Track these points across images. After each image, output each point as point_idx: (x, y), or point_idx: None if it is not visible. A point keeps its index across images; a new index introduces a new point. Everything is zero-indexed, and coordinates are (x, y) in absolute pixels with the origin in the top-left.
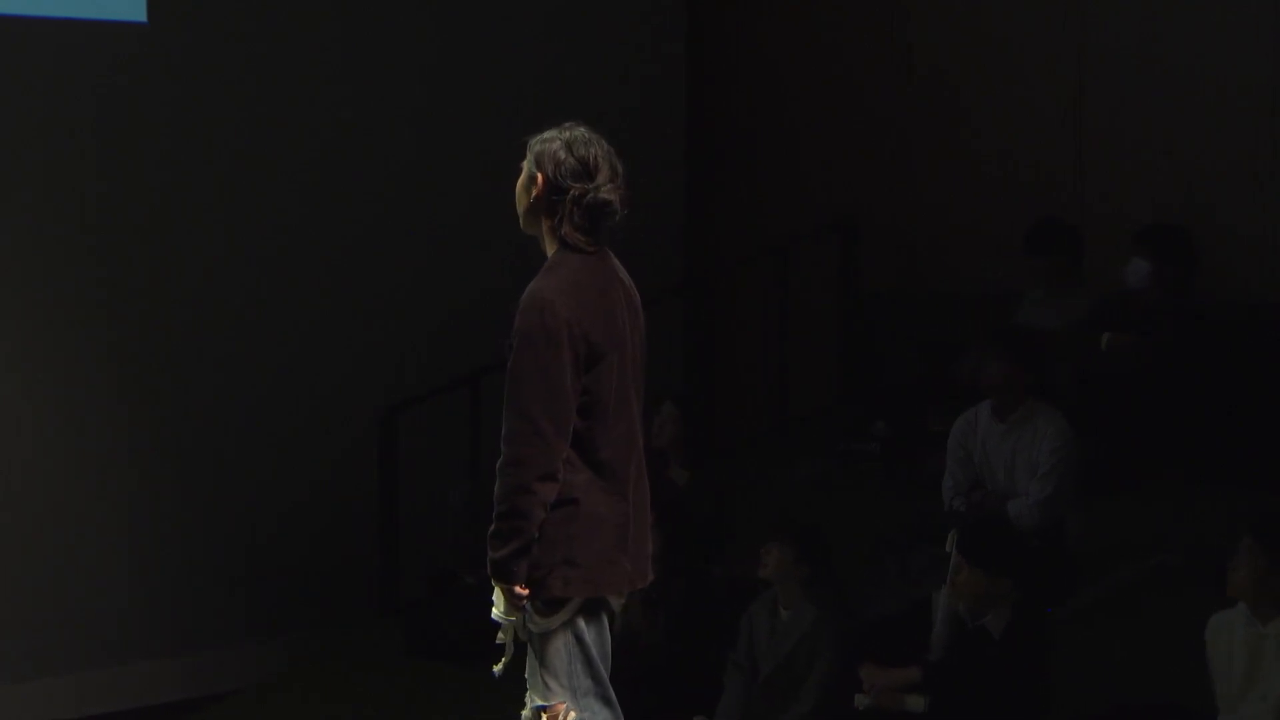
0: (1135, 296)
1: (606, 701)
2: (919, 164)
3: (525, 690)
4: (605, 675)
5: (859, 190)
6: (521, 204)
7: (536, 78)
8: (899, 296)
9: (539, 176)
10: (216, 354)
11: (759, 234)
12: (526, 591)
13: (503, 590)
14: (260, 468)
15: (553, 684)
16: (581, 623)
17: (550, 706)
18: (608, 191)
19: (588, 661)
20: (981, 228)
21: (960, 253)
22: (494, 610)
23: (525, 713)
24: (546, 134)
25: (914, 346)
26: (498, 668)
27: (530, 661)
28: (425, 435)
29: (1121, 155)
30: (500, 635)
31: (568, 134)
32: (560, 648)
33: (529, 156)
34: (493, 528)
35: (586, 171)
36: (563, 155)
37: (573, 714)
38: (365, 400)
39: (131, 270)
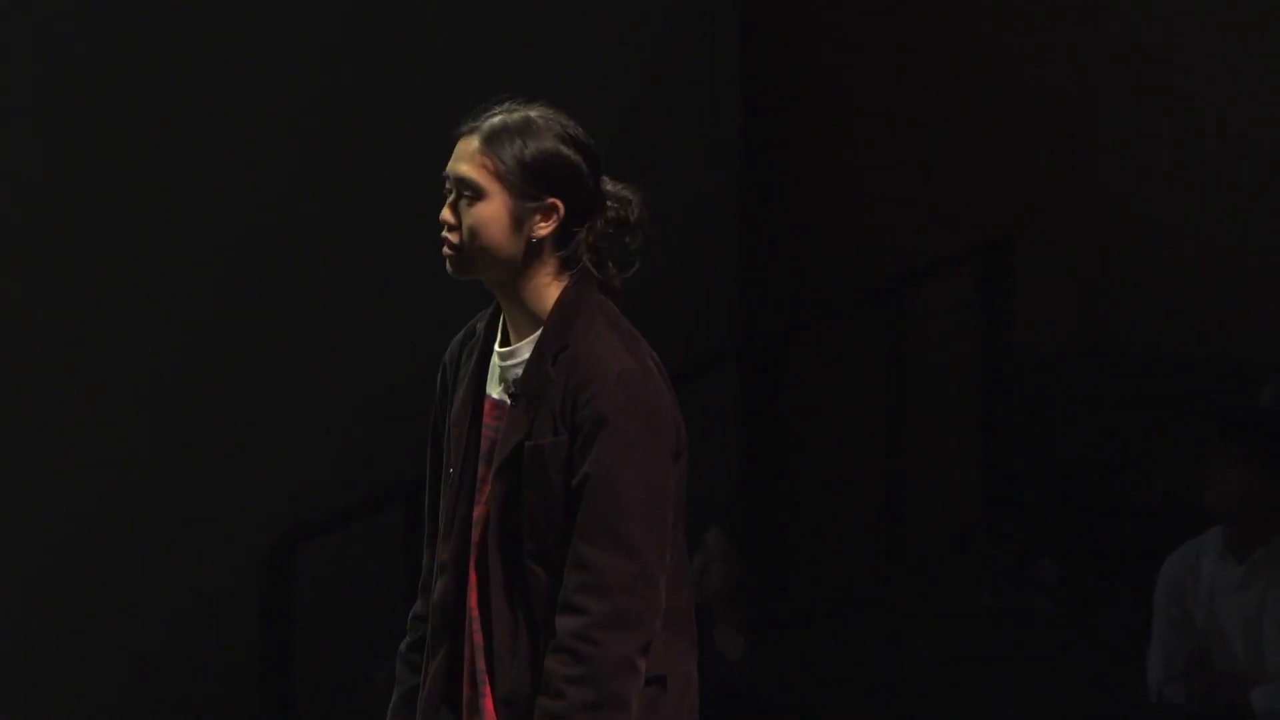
0: None
1: None
2: (1106, 164)
3: None
4: None
5: (1014, 202)
6: (501, 243)
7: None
8: (1075, 361)
9: (557, 204)
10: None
11: (852, 270)
12: None
13: None
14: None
15: None
16: None
17: None
18: (638, 200)
19: None
20: (1205, 258)
21: (1174, 296)
22: None
23: None
24: (512, 123)
25: (1099, 439)
26: None
27: None
28: (335, 578)
29: None
30: None
31: (554, 123)
32: None
33: (507, 167)
34: None
35: (600, 174)
36: (578, 162)
37: None
38: (246, 524)
39: None
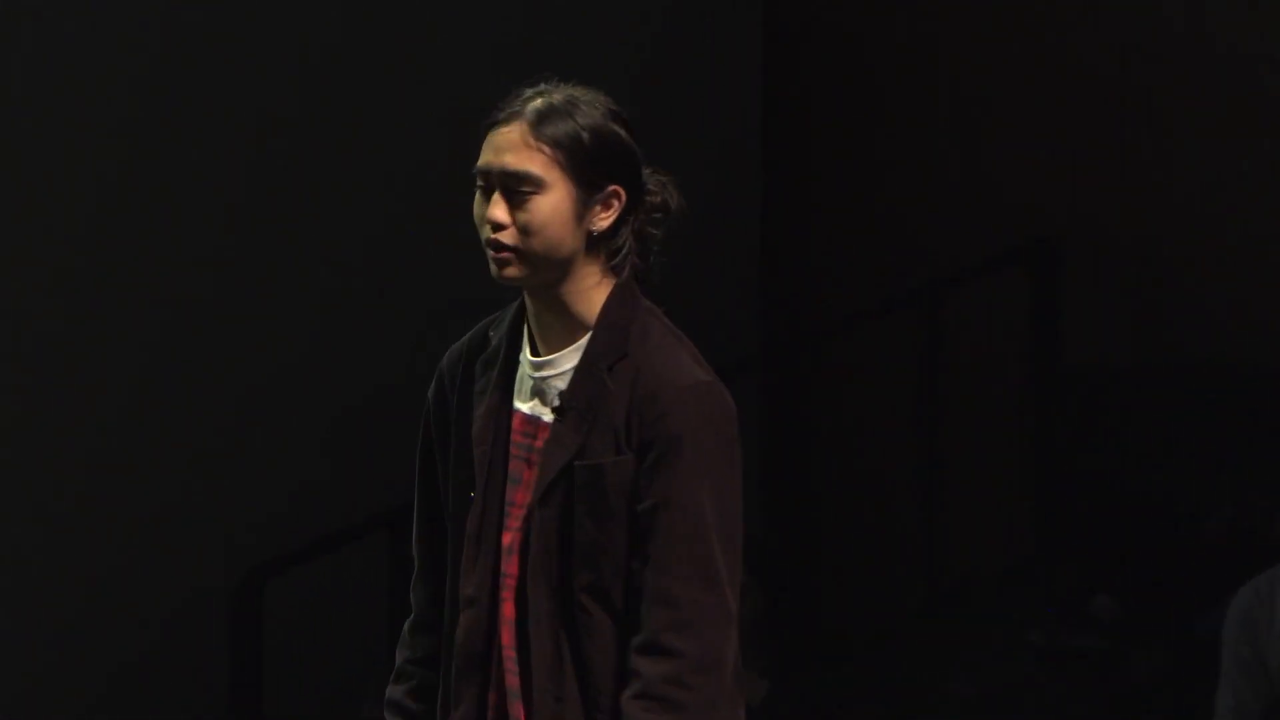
0: None
1: None
2: (1164, 157)
3: None
4: None
5: (1062, 199)
6: (563, 239)
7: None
8: (1132, 373)
9: (619, 191)
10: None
11: (882, 273)
12: None
13: None
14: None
15: None
16: None
17: None
18: (672, 184)
19: None
20: (1276, 259)
21: (1241, 300)
22: None
23: None
24: (558, 103)
25: (1160, 460)
26: None
27: None
28: (310, 615)
29: None
30: None
31: (599, 101)
32: None
33: (566, 151)
34: None
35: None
36: (631, 142)
37: None
38: (210, 557)
39: None
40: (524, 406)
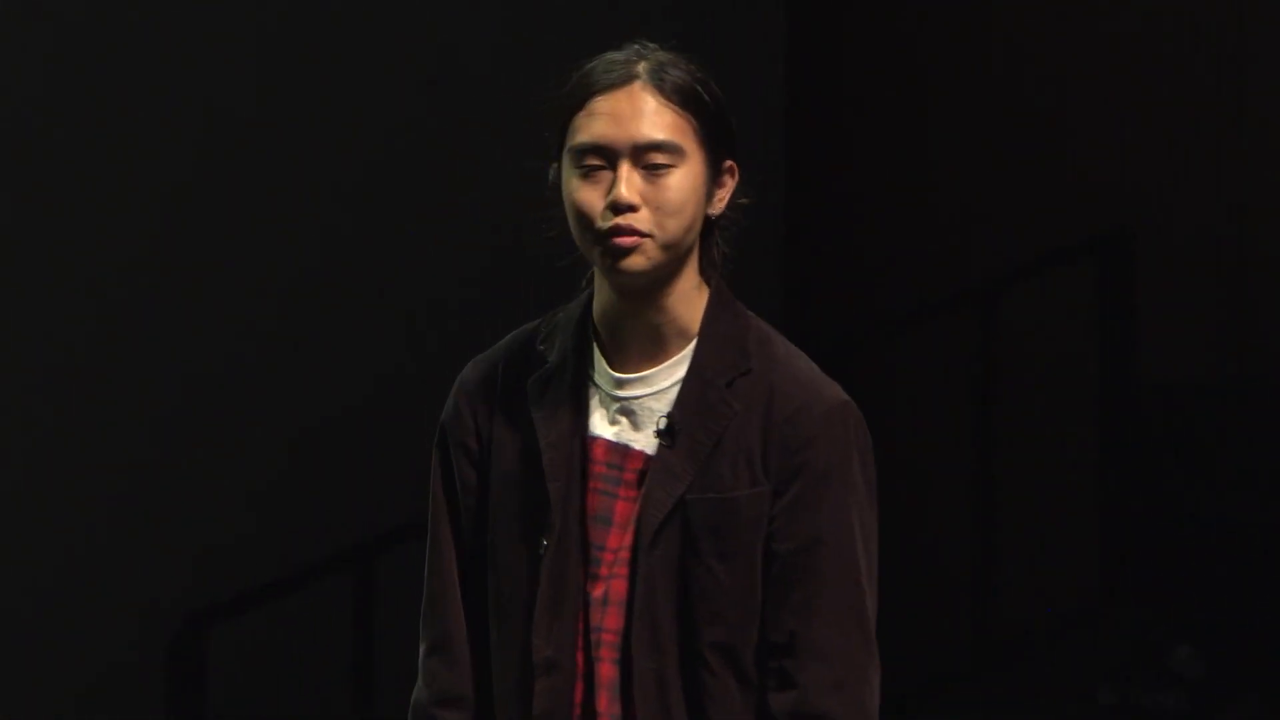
0: None
1: None
2: (1255, 141)
3: None
4: None
5: (1136, 190)
6: (695, 223)
7: None
8: (1215, 391)
9: (734, 167)
10: None
11: (924, 275)
12: None
13: None
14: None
15: None
16: None
17: None
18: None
19: None
20: None
21: None
22: None
23: None
24: (670, 60)
25: (1248, 491)
26: None
27: None
28: (258, 666)
29: None
30: None
31: (692, 63)
32: None
33: (706, 115)
34: None
35: None
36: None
37: None
38: (149, 599)
39: None
40: (606, 433)
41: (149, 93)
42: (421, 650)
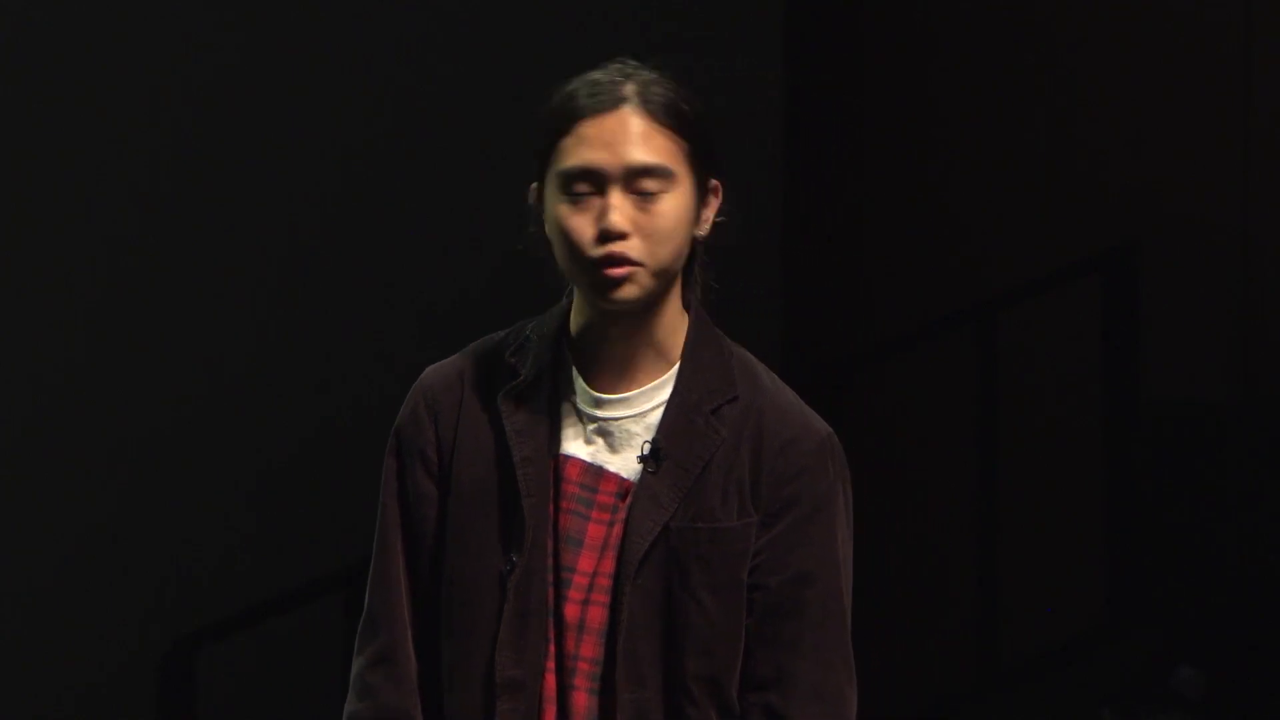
0: None
1: None
2: (1263, 151)
3: None
4: None
5: (1142, 203)
6: (683, 247)
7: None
8: (1223, 410)
9: (719, 187)
10: None
11: (924, 292)
12: None
13: None
14: None
15: None
16: None
17: None
18: None
19: None
20: None
21: None
22: None
23: None
24: (655, 78)
25: (1256, 512)
26: None
27: None
28: (249, 689)
29: None
30: None
31: (682, 84)
32: None
33: (694, 136)
34: None
35: None
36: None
37: None
38: (138, 619)
39: None
40: (581, 453)
41: (149, 93)
42: (359, 663)
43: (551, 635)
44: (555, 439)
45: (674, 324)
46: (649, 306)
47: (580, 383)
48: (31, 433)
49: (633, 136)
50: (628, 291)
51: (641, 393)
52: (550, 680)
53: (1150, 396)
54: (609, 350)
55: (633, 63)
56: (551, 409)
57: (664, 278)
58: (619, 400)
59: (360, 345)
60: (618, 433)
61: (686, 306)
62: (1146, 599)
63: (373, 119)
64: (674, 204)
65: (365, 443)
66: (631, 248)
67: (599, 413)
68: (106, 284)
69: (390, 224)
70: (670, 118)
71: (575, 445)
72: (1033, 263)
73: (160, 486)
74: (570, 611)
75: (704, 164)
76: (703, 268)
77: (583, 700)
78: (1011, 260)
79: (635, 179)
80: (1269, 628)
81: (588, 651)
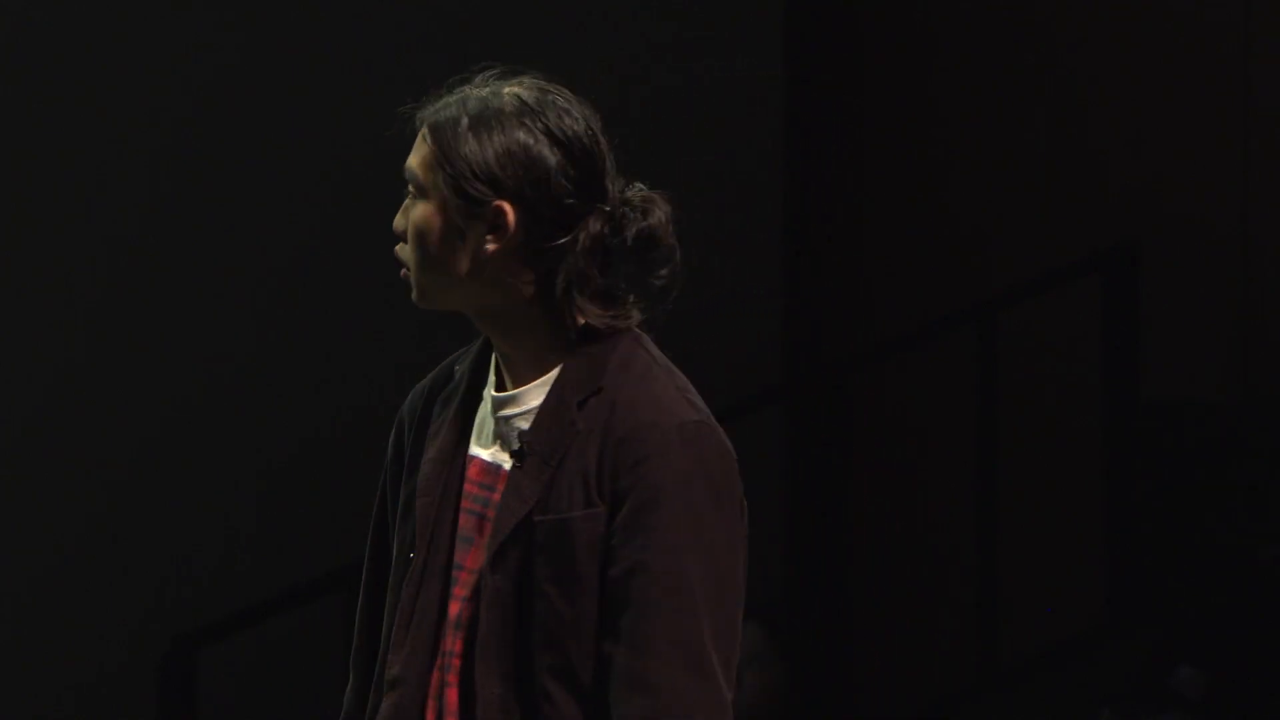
0: None
1: None
2: (1264, 150)
3: None
4: None
5: (1141, 202)
6: (441, 255)
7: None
8: (1223, 409)
9: (503, 209)
10: None
11: (926, 291)
12: None
13: None
14: None
15: None
16: None
17: None
18: (655, 213)
19: None
20: None
21: None
22: None
23: None
24: (471, 100)
25: (1256, 512)
26: None
27: None
28: (249, 689)
29: None
30: None
31: (526, 103)
32: None
33: (445, 157)
34: None
35: (601, 178)
36: (544, 156)
37: None
38: (138, 619)
39: None
40: (484, 453)
41: (149, 93)
42: None
43: (437, 634)
44: (465, 439)
45: (535, 327)
46: (489, 313)
47: (490, 384)
48: (31, 433)
49: (415, 145)
50: (410, 290)
51: (528, 390)
52: (435, 677)
53: (1150, 396)
54: (499, 352)
55: (491, 72)
56: (467, 411)
57: (435, 281)
58: (510, 398)
59: (360, 345)
60: (509, 431)
61: (571, 312)
62: (1146, 599)
63: (373, 119)
64: (421, 212)
65: (365, 443)
66: (400, 250)
67: (498, 413)
68: (106, 284)
69: (390, 224)
70: (434, 133)
71: (480, 445)
72: (1033, 263)
73: (160, 486)
74: (453, 609)
75: (472, 185)
76: (575, 280)
77: (454, 696)
78: (1011, 260)
79: (409, 185)
80: (1269, 628)
81: (458, 647)
